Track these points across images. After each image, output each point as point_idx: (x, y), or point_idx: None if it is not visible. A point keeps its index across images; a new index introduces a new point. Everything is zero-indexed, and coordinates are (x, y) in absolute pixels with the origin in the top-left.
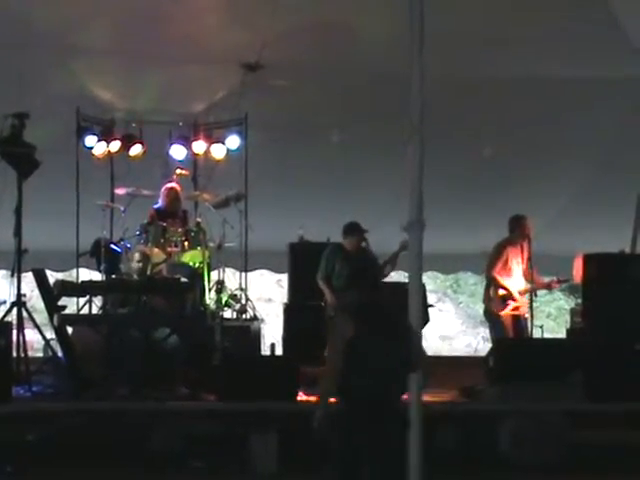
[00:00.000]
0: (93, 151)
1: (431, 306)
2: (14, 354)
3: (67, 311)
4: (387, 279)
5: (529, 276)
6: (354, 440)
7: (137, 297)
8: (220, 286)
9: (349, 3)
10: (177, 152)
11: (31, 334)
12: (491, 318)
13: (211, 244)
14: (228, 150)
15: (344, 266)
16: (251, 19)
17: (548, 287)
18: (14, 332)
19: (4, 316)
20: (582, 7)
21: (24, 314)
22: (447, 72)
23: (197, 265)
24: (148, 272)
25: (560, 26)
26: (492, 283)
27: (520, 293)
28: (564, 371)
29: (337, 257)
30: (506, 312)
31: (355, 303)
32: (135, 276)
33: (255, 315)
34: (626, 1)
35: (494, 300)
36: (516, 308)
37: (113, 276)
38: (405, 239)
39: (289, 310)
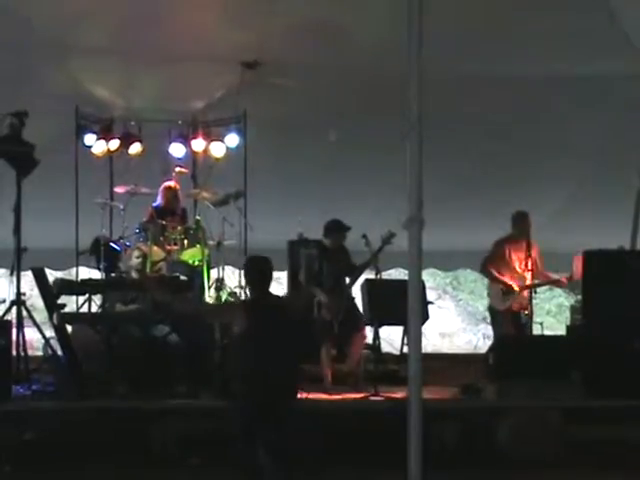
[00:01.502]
0: (92, 150)
1: (430, 303)
2: (14, 353)
3: (67, 310)
4: (384, 276)
5: (536, 271)
6: (251, 440)
7: (138, 294)
8: (220, 284)
9: (345, 2)
10: (176, 150)
11: (31, 333)
12: (492, 314)
13: (210, 242)
14: (227, 148)
15: (329, 266)
16: (250, 17)
17: (557, 283)
18: (14, 331)
19: (3, 315)
20: (582, 5)
21: (24, 313)
22: (445, 70)
23: (196, 263)
24: (147, 270)
25: (560, 24)
26: (489, 277)
27: (521, 288)
28: (564, 368)
29: (322, 257)
30: (506, 307)
31: (248, 301)
32: (134, 274)
33: None
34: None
35: (494, 295)
36: (517, 304)
37: (112, 274)
38: (386, 232)
39: None
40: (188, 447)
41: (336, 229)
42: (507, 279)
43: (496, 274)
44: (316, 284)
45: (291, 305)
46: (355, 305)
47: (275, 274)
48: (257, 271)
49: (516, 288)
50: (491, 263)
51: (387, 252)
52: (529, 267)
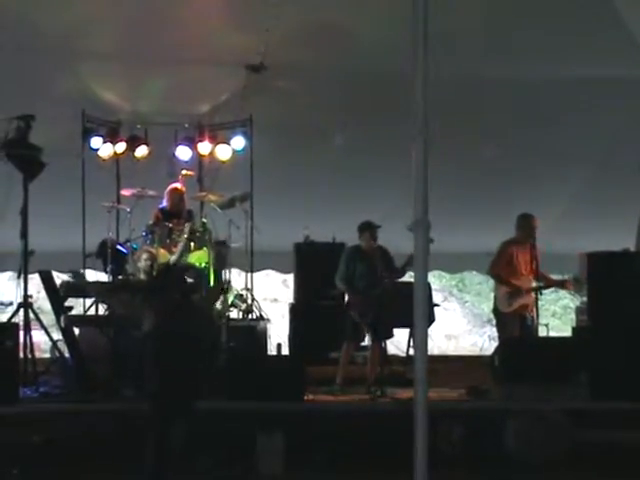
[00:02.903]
0: (99, 153)
1: (437, 305)
2: (21, 355)
3: (73, 312)
4: None
5: (538, 274)
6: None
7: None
8: (226, 286)
9: (351, 6)
10: (182, 153)
11: (38, 335)
12: (498, 316)
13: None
14: (233, 151)
15: (363, 266)
16: (255, 21)
17: (561, 285)
18: (21, 333)
19: (11, 317)
20: (586, 6)
21: (31, 315)
22: (449, 73)
23: (203, 265)
24: (154, 273)
25: (563, 26)
26: (496, 281)
27: (527, 291)
28: (569, 370)
29: (356, 258)
30: (512, 310)
31: (160, 302)
32: (143, 276)
33: (261, 315)
34: (631, 3)
35: (500, 298)
36: (523, 306)
37: (119, 277)
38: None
39: (295, 310)
40: (194, 448)
41: (363, 228)
42: (514, 282)
43: (504, 277)
44: (348, 284)
45: (200, 307)
46: (387, 312)
47: (282, 276)
48: (176, 278)
49: (523, 291)
50: (498, 266)
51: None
52: (533, 269)
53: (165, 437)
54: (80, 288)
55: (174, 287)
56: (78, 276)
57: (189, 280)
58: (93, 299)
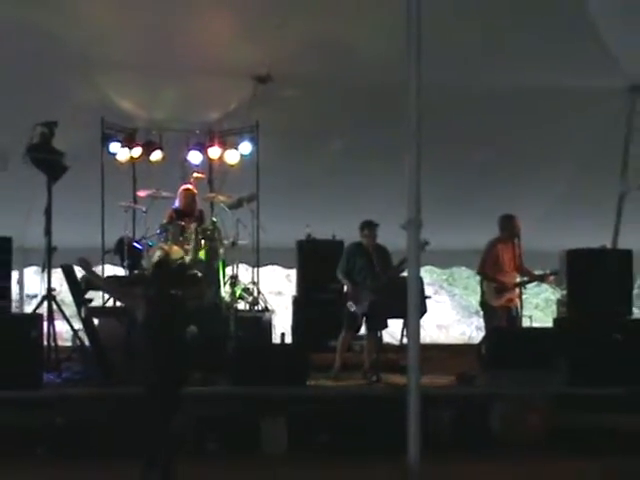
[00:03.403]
0: (116, 157)
1: (428, 298)
2: (45, 343)
3: (93, 304)
4: None
5: (522, 270)
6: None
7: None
8: (234, 280)
9: (349, 21)
10: (194, 157)
11: (60, 325)
12: (486, 309)
13: (225, 242)
14: (241, 155)
15: (362, 261)
16: (261, 35)
17: (542, 279)
18: (45, 323)
19: (35, 309)
20: (564, 21)
21: (54, 307)
22: (439, 83)
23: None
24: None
25: (544, 40)
26: (485, 279)
27: (512, 286)
28: (550, 358)
29: (356, 254)
30: (500, 304)
31: (152, 293)
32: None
33: (266, 307)
34: (606, 15)
35: (488, 293)
36: (509, 299)
37: (135, 271)
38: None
39: (297, 302)
40: (203, 431)
41: (363, 226)
42: (500, 278)
43: (491, 275)
44: (348, 277)
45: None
46: (382, 304)
47: (286, 271)
48: (164, 272)
49: (508, 286)
50: (486, 265)
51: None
52: (517, 265)
53: (162, 422)
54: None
55: (166, 280)
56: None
57: (190, 273)
58: None
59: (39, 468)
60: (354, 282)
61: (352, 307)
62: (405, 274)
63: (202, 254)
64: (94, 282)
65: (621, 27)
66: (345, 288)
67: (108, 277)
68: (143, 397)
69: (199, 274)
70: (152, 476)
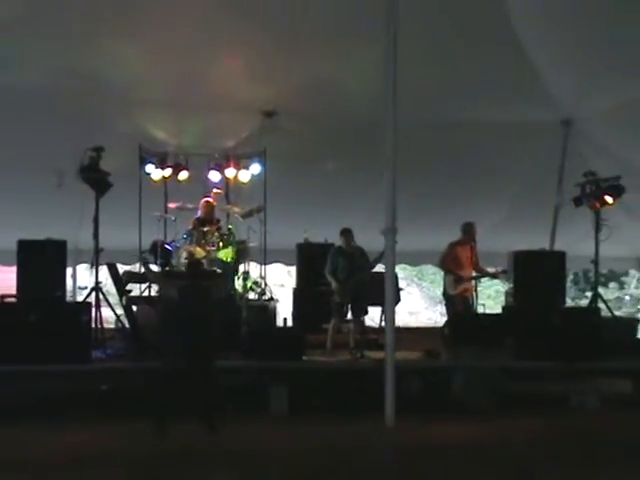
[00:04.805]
0: (151, 176)
1: (402, 289)
2: (93, 326)
3: (132, 294)
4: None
5: (478, 267)
6: (168, 394)
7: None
8: (246, 275)
9: (340, 64)
10: (214, 176)
11: (106, 311)
12: (447, 297)
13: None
14: (252, 175)
15: (344, 261)
16: (268, 78)
17: (494, 276)
18: (93, 310)
19: (85, 298)
20: (508, 65)
21: (100, 296)
22: (411, 116)
23: (229, 260)
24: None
25: (492, 79)
26: (445, 271)
27: (468, 279)
28: (500, 338)
29: (338, 255)
30: (457, 292)
31: (181, 283)
32: (183, 268)
33: (272, 297)
34: (546, 56)
35: (448, 283)
36: (465, 289)
37: (166, 268)
38: (381, 252)
39: (297, 293)
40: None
41: (341, 233)
42: (458, 272)
43: (450, 268)
44: (333, 275)
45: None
46: (364, 294)
47: (287, 267)
48: (189, 266)
49: (464, 278)
50: (446, 261)
51: (371, 251)
52: (473, 263)
53: (195, 388)
54: (141, 275)
55: (195, 274)
56: (147, 265)
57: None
58: (147, 284)
59: (89, 421)
60: (338, 280)
61: (337, 299)
62: (383, 270)
63: (222, 254)
64: (147, 275)
65: (558, 67)
66: (332, 285)
67: (154, 271)
68: (166, 369)
69: (218, 271)
70: (164, 427)
